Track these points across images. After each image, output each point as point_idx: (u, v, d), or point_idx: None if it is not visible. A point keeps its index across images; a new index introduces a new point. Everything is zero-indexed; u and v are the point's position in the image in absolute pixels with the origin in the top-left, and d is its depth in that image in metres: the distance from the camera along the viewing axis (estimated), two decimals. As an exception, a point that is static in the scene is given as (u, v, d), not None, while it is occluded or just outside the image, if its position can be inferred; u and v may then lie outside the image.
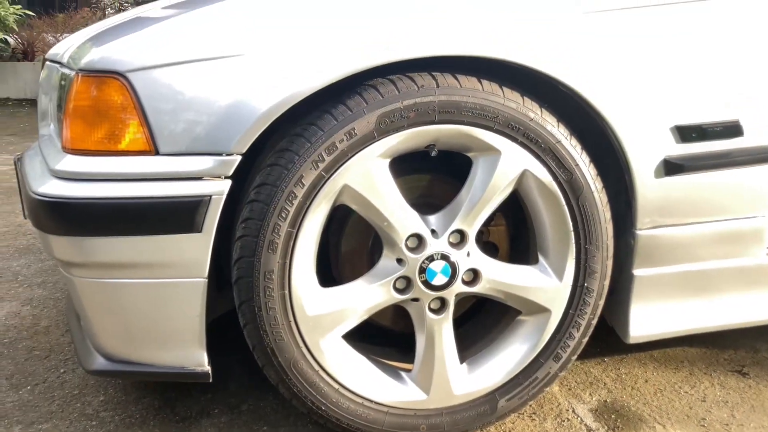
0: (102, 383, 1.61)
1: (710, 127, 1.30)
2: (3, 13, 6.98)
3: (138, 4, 9.49)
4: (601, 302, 1.38)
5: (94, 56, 1.19)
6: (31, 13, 7.73)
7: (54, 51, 1.72)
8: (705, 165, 1.32)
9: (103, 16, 9.26)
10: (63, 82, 1.42)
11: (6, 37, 7.67)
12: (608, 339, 1.60)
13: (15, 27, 7.38)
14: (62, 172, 1.19)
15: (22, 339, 1.85)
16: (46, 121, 1.68)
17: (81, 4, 10.33)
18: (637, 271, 1.39)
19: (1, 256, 2.54)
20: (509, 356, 1.39)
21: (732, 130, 1.32)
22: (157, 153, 1.16)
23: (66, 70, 1.40)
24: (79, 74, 1.19)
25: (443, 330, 1.33)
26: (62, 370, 1.68)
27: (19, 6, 7.37)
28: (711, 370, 1.71)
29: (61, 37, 7.84)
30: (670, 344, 1.81)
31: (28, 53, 8.09)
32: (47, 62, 1.73)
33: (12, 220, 3.03)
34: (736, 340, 1.86)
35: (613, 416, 1.50)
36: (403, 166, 1.33)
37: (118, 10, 9.68)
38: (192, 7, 1.31)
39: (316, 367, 1.29)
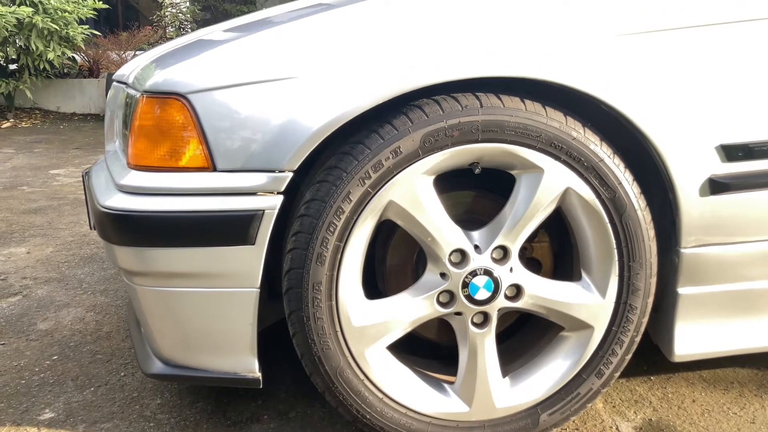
0: (159, 387, 1.69)
1: (758, 146, 1.30)
2: (72, 33, 7.35)
3: (196, 22, 9.83)
4: (645, 319, 1.38)
5: (158, 78, 1.27)
6: (97, 32, 8.10)
7: (120, 72, 1.83)
8: (752, 184, 1.31)
9: (164, 34, 9.63)
10: (128, 101, 1.52)
11: (74, 55, 8.05)
12: (655, 357, 1.59)
13: (82, 46, 7.76)
14: (127, 187, 1.27)
15: (87, 343, 1.96)
16: (112, 138, 1.79)
17: (143, 23, 10.78)
18: (681, 290, 1.39)
19: (67, 264, 2.68)
20: (551, 371, 1.40)
21: (781, 149, 1.31)
22: (214, 169, 1.23)
23: (131, 91, 1.49)
24: (144, 95, 1.28)
25: (486, 344, 1.36)
26: (122, 374, 1.77)
27: (87, 26, 7.74)
28: (762, 392, 1.68)
29: (124, 55, 8.19)
30: (720, 365, 1.79)
31: (93, 70, 8.48)
32: (114, 82, 1.84)
33: (77, 230, 3.19)
34: (791, 362, 1.82)
35: (657, 435, 1.50)
36: (448, 182, 1.37)
37: (178, 29, 10.05)
38: (250, 31, 1.39)
39: (362, 377, 1.33)
